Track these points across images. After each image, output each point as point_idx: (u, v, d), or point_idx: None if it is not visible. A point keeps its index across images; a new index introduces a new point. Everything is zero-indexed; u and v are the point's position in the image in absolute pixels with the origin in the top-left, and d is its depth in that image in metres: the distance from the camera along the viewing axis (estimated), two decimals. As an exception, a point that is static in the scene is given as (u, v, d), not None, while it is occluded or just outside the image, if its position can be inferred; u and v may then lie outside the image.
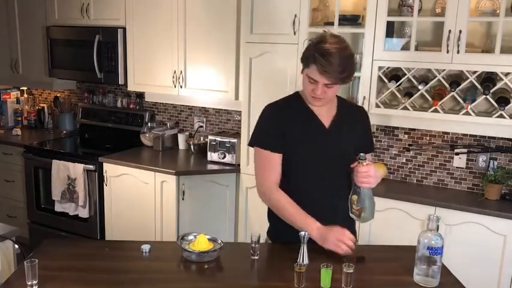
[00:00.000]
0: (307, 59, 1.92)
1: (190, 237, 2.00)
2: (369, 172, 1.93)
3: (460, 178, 3.32)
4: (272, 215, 2.12)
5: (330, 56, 1.84)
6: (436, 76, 3.04)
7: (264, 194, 2.07)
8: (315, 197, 2.04)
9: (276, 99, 2.14)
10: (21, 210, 4.37)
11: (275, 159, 2.04)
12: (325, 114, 2.07)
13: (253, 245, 1.92)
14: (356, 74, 3.22)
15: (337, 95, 2.10)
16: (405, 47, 3.15)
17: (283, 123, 2.03)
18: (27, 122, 4.99)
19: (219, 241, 1.98)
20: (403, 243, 2.20)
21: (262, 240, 2.04)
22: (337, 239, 1.91)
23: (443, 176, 3.37)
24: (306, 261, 1.85)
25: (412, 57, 3.03)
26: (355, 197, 2.00)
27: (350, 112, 2.15)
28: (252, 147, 2.11)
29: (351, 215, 2.04)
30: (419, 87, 3.08)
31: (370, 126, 2.26)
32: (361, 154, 1.95)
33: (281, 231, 2.07)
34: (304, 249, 1.86)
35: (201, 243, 1.92)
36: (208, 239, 1.97)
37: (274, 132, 2.04)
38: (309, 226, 1.95)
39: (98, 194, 3.89)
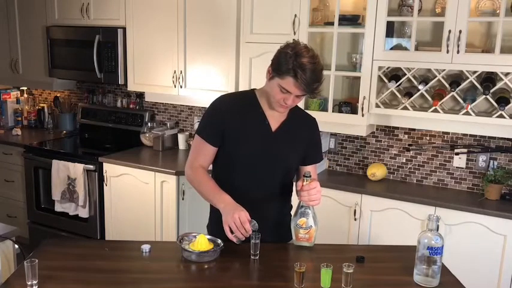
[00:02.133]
0: (285, 71, 1.90)
1: (190, 237, 2.00)
2: (318, 187, 1.95)
3: (460, 178, 3.32)
4: (210, 208, 2.15)
5: (308, 71, 1.87)
6: (436, 76, 3.04)
7: (188, 175, 2.12)
8: (249, 196, 2.03)
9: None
10: (21, 210, 4.37)
11: (207, 149, 2.09)
12: (276, 118, 2.08)
13: (253, 241, 1.92)
14: (356, 74, 3.24)
15: None
16: (405, 47, 3.16)
17: (224, 117, 2.05)
18: (27, 122, 4.99)
19: (219, 241, 1.98)
20: (403, 243, 2.20)
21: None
22: (237, 220, 1.87)
23: (443, 176, 3.37)
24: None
25: (412, 57, 3.03)
26: (302, 220, 1.98)
27: (300, 120, 2.16)
28: None
29: (297, 243, 2.03)
30: (419, 87, 3.08)
31: (318, 136, 2.22)
32: (307, 171, 1.98)
33: (218, 224, 2.01)
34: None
35: (201, 243, 1.92)
36: (208, 239, 1.97)
37: (212, 124, 2.07)
38: (220, 197, 1.98)
39: (98, 194, 3.89)
